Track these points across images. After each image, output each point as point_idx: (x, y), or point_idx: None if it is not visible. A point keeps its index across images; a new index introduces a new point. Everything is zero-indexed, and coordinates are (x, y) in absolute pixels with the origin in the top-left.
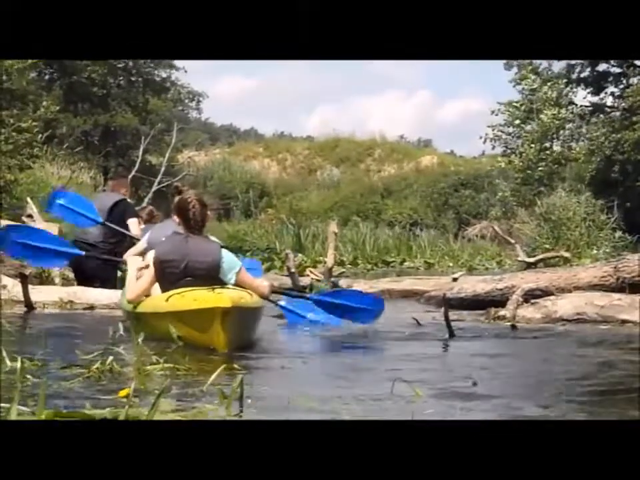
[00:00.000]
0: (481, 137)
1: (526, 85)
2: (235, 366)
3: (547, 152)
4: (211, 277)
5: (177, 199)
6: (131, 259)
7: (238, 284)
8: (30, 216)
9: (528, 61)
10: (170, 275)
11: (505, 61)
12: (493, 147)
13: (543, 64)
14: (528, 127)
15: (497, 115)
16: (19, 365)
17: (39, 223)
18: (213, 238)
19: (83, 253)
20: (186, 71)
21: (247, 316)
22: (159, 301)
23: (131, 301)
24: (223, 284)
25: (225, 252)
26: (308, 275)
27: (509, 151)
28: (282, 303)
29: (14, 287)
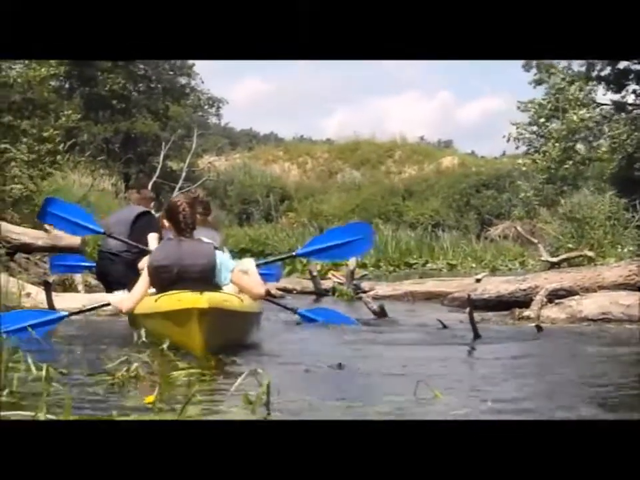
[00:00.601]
0: (504, 136)
1: (550, 85)
2: (259, 370)
3: (572, 152)
4: (206, 279)
5: (165, 204)
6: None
7: (233, 284)
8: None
9: (547, 62)
10: (164, 280)
11: (524, 62)
12: (517, 147)
13: (562, 63)
14: (552, 126)
15: (523, 111)
16: (44, 372)
17: (62, 232)
18: (206, 240)
19: (102, 230)
20: (203, 82)
21: (232, 319)
22: (149, 302)
23: (127, 310)
24: (218, 286)
25: (219, 253)
26: (330, 278)
27: (532, 150)
28: (299, 310)
29: (38, 294)
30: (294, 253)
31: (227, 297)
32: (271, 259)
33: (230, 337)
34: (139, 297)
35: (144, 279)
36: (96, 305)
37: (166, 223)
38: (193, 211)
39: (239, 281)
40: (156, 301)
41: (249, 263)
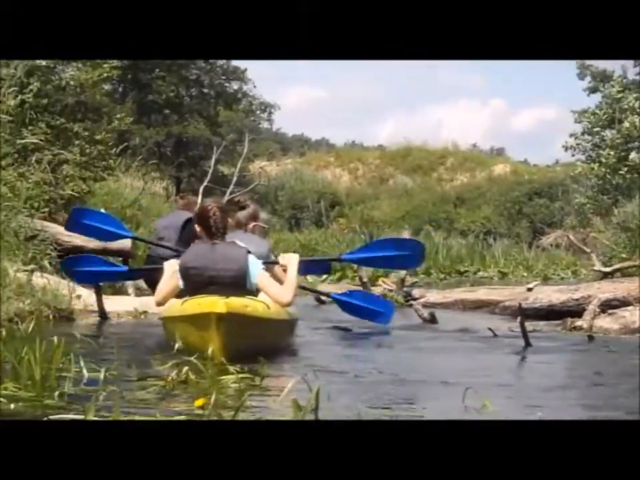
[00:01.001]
0: (563, 146)
1: (605, 94)
2: (309, 375)
3: (627, 161)
4: (238, 284)
5: (197, 208)
6: (168, 263)
7: (259, 288)
8: None
9: (602, 70)
10: (196, 283)
11: (578, 70)
12: (573, 155)
13: (617, 71)
14: (608, 134)
15: (579, 122)
16: (102, 375)
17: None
18: (240, 244)
19: (130, 234)
20: (255, 86)
21: (255, 325)
22: (176, 305)
23: (158, 303)
24: (252, 292)
25: (251, 257)
26: (380, 285)
27: (587, 159)
28: (336, 295)
29: (88, 297)
30: (340, 257)
31: (249, 303)
32: (317, 258)
33: (253, 343)
34: (165, 291)
35: (168, 276)
36: (156, 266)
37: (197, 228)
38: (224, 215)
39: (264, 286)
40: (182, 304)
41: (292, 258)
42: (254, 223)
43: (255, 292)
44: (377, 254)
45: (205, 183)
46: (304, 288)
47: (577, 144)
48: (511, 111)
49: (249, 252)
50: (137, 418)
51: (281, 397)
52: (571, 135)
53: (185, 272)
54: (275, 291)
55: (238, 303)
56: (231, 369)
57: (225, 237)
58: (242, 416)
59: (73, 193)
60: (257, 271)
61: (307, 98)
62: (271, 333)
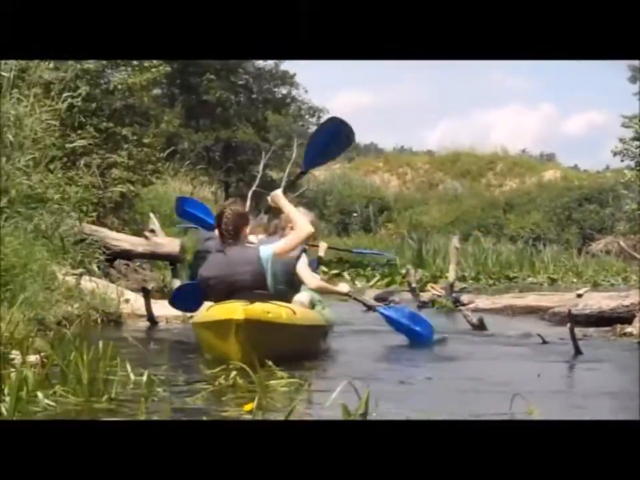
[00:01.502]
0: (612, 151)
1: None
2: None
3: None
4: (258, 284)
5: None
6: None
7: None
8: (152, 231)
9: None
10: (218, 293)
11: (630, 74)
12: (622, 160)
13: None
14: None
15: (626, 127)
16: (144, 378)
17: (161, 238)
18: (251, 245)
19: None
20: (306, 91)
21: (276, 331)
22: (202, 311)
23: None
24: (281, 292)
25: (263, 253)
26: (429, 291)
27: (636, 165)
28: (381, 309)
29: (136, 301)
30: (377, 309)
31: (272, 309)
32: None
33: (277, 349)
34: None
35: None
36: None
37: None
38: (238, 219)
39: (281, 250)
40: (207, 310)
41: (275, 195)
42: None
43: (284, 293)
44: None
45: (254, 188)
46: (353, 298)
47: (626, 149)
48: (560, 116)
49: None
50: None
51: (329, 402)
52: (620, 140)
53: (205, 285)
54: (290, 239)
55: (258, 309)
56: (279, 373)
57: (237, 240)
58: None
59: (122, 192)
60: (268, 253)
61: (355, 102)
62: (297, 338)
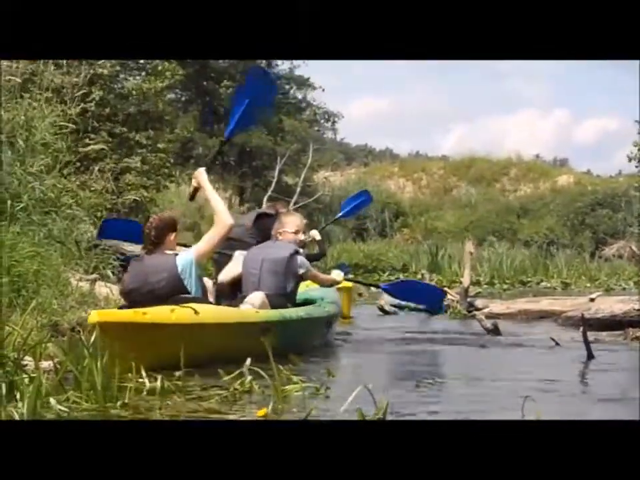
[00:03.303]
0: (627, 156)
1: None
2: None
3: None
4: (175, 289)
5: None
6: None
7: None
8: None
9: None
10: (139, 302)
11: None
12: (637, 166)
13: None
14: None
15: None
16: (158, 384)
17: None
18: (169, 252)
19: None
20: (323, 90)
21: (162, 332)
22: None
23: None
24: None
25: (180, 260)
26: None
27: None
28: (384, 285)
29: None
30: (381, 285)
31: (148, 310)
32: (359, 279)
33: (172, 351)
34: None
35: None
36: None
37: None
38: (162, 225)
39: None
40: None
41: (199, 174)
42: (283, 230)
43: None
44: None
45: (269, 193)
46: (356, 281)
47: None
48: (574, 121)
49: (176, 254)
50: None
51: (344, 406)
52: (635, 145)
53: (126, 296)
54: (209, 238)
55: (128, 312)
56: (295, 378)
57: (159, 247)
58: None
59: (136, 198)
60: (191, 258)
61: (371, 108)
62: (208, 338)
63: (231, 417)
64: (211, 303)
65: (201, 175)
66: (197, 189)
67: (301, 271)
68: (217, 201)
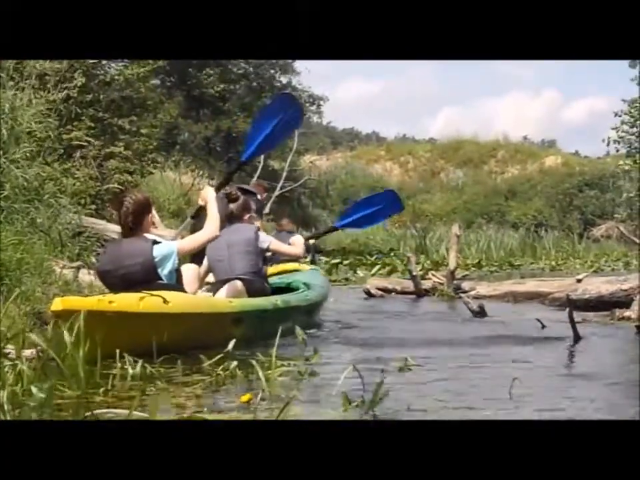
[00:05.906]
0: (604, 140)
1: None
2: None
3: None
4: (149, 275)
5: None
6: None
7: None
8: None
9: None
10: (113, 285)
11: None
12: (617, 150)
13: None
14: None
15: (620, 116)
16: (138, 369)
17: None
18: (149, 236)
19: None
20: (309, 71)
21: (131, 321)
22: None
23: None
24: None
25: (157, 247)
26: (430, 278)
27: (633, 151)
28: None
29: None
30: (335, 225)
31: (115, 297)
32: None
33: (143, 339)
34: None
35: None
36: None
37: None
38: (138, 208)
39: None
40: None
41: (208, 192)
42: (248, 215)
43: (175, 282)
44: (361, 214)
45: (255, 178)
46: (315, 236)
47: (621, 137)
48: (562, 103)
49: (155, 242)
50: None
51: (334, 391)
52: (613, 129)
53: (101, 278)
54: (194, 238)
55: (92, 299)
56: (278, 362)
57: (137, 231)
58: (293, 410)
59: (119, 187)
60: (173, 250)
61: (357, 92)
62: (178, 327)
63: (217, 401)
64: (184, 291)
65: (209, 194)
66: (202, 208)
67: (265, 245)
68: (216, 215)
